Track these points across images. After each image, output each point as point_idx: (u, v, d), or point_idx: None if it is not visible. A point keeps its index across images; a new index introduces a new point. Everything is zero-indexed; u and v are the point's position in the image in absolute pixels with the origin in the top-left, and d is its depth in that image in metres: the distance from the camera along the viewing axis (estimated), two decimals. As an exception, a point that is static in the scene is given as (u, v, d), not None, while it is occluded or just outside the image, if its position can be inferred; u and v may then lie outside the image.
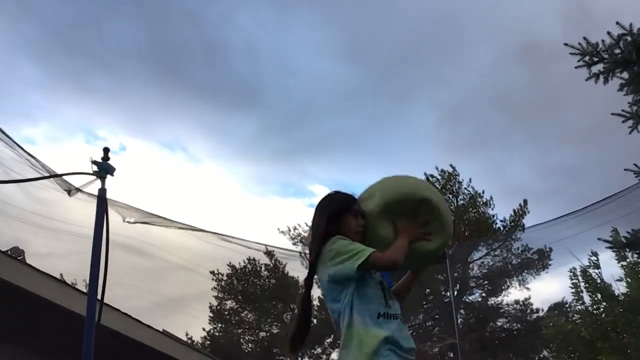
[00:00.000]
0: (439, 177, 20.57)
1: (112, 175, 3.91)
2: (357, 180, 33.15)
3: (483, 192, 20.48)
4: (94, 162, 3.84)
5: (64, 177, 4.17)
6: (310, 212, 2.43)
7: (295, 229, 21.26)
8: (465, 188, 20.62)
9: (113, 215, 4.70)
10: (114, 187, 4.20)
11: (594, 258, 15.56)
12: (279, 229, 21.39)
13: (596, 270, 15.58)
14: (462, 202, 20.55)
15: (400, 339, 2.18)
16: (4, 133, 4.26)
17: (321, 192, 31.24)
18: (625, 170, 7.17)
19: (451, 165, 20.78)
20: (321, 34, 29.20)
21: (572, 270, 16.45)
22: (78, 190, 4.06)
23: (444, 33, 27.34)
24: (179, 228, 6.10)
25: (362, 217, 2.33)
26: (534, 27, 24.90)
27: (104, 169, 3.87)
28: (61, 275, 7.09)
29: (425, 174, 20.58)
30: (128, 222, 5.00)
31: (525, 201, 20.14)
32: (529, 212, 20.00)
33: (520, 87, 25.70)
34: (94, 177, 3.88)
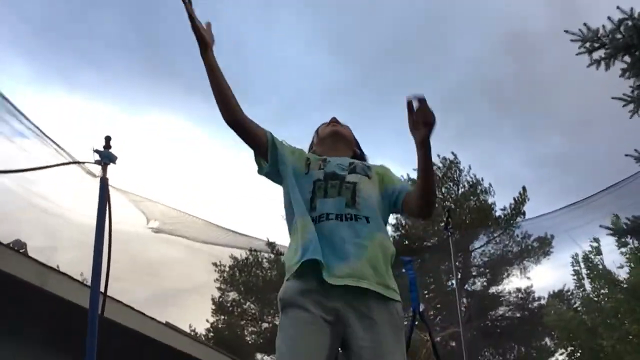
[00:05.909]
0: (440, 165, 20.49)
1: (114, 163, 3.88)
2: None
3: (482, 180, 20.46)
4: (96, 151, 3.82)
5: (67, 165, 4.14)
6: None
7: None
8: (465, 175, 20.60)
9: (136, 213, 4.67)
10: (117, 175, 4.17)
11: (595, 244, 15.60)
12: (282, 216, 21.28)
13: (598, 257, 15.62)
14: (462, 190, 20.52)
15: None
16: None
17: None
18: (626, 155, 7.14)
19: (453, 153, 20.69)
20: (308, 27, 29.09)
21: (574, 257, 16.51)
22: (104, 170, 3.94)
23: (430, 24, 27.22)
24: (202, 241, 5.99)
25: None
26: (519, 16, 24.71)
27: (106, 157, 3.84)
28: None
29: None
30: (151, 228, 4.97)
31: (524, 188, 20.09)
32: (529, 200, 19.99)
33: (508, 76, 25.67)
34: (97, 165, 3.85)
